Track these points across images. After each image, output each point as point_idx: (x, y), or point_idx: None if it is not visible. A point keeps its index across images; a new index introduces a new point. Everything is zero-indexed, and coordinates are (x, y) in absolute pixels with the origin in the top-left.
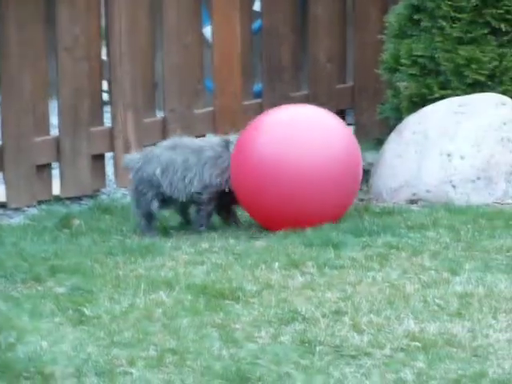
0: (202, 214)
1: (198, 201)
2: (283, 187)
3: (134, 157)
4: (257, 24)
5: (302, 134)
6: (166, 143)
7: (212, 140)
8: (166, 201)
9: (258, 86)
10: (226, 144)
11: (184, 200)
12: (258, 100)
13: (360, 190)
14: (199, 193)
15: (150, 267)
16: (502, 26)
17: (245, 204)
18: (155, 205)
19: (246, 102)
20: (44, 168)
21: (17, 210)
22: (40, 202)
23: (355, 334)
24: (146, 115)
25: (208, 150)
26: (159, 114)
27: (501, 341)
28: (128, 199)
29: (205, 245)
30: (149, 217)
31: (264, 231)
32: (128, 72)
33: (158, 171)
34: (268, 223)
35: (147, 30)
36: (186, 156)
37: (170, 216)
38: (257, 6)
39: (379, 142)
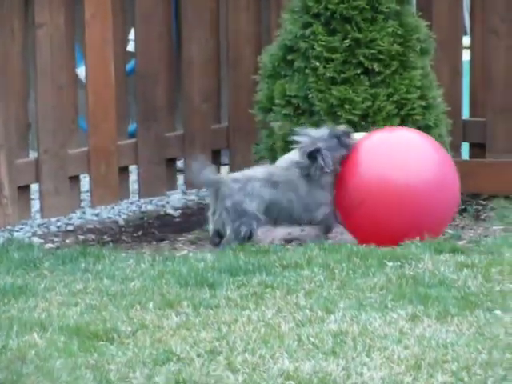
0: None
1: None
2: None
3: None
4: (131, 65)
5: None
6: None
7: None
8: None
9: (132, 126)
10: None
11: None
12: (133, 140)
13: None
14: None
15: (23, 308)
16: (375, 66)
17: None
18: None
19: (121, 142)
20: None
21: None
22: None
23: (230, 374)
24: (19, 156)
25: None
26: (33, 155)
27: (375, 379)
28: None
29: (79, 286)
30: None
31: (140, 271)
32: (0, 113)
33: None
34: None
35: (20, 70)
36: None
37: (44, 255)
38: (130, 47)
39: None
